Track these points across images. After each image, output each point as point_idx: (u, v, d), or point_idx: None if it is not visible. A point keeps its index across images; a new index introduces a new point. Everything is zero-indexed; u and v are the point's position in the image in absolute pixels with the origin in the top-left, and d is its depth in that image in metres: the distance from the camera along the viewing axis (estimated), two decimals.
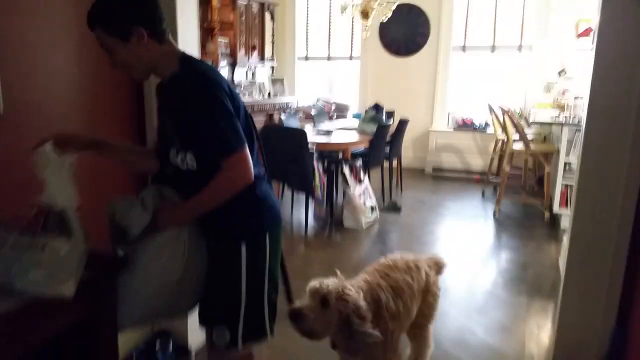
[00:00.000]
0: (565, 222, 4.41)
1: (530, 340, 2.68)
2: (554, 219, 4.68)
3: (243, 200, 1.55)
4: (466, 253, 4.11)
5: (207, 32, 5.84)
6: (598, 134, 1.66)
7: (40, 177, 1.22)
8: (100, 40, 1.45)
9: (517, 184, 6.09)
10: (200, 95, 1.45)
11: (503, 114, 5.04)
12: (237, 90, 6.07)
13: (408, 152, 7.18)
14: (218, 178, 1.47)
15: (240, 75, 6.78)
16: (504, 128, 5.10)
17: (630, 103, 1.58)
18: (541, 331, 2.78)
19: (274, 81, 7.46)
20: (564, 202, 4.48)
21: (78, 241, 1.20)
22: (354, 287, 1.77)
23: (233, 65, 6.50)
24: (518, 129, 4.83)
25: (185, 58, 1.55)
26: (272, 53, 7.45)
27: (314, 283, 1.74)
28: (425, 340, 2.24)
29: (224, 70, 6.38)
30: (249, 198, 1.57)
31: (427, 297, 2.12)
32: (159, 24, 1.49)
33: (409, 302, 1.95)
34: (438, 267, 2.28)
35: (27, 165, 1.80)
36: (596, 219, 1.71)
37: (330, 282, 1.73)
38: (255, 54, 6.84)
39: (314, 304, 1.68)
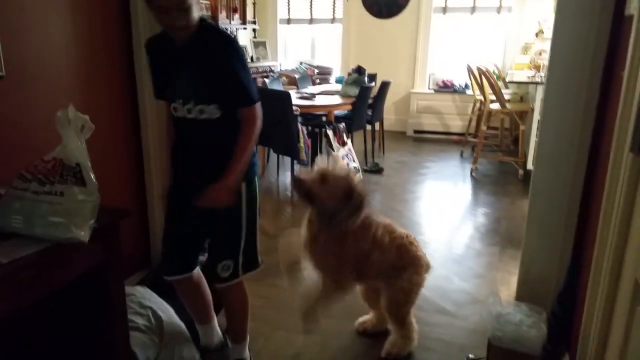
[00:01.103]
0: None
1: (502, 284, 2.92)
2: (528, 176, 4.90)
3: None
4: (445, 210, 4.33)
5: None
6: (557, 89, 1.83)
7: (60, 133, 1.34)
8: (184, 3, 1.56)
9: (494, 143, 6.31)
10: (229, 49, 1.67)
11: (480, 75, 5.18)
12: None
13: (390, 114, 7.31)
14: (248, 125, 1.71)
15: None
16: (482, 89, 5.25)
17: (584, 62, 1.74)
18: (511, 276, 3.01)
19: (256, 44, 7.45)
20: None
21: (92, 190, 1.34)
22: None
23: None
24: (495, 89, 4.99)
25: (203, 20, 1.70)
26: (254, 15, 7.42)
27: (321, 162, 1.93)
28: (405, 332, 2.22)
29: None
30: None
31: (405, 276, 2.13)
32: None
33: (385, 257, 2.07)
34: (426, 267, 2.24)
35: (32, 122, 1.94)
36: (554, 168, 1.89)
37: (338, 167, 1.92)
38: (237, 16, 6.82)
39: (315, 178, 1.88)
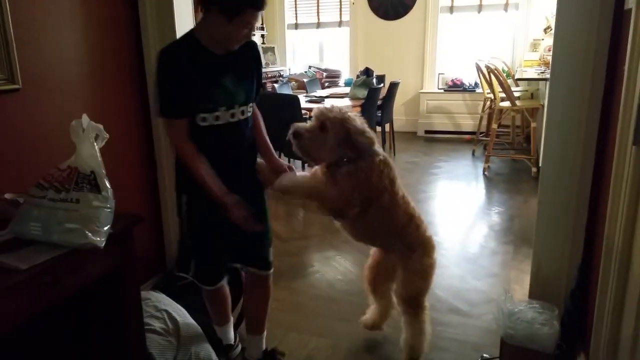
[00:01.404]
0: None
1: (516, 283, 2.91)
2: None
3: None
4: (458, 209, 4.33)
5: (197, 2, 5.88)
6: (561, 86, 1.83)
7: (74, 141, 1.39)
8: (257, 16, 1.66)
9: (506, 141, 6.27)
10: (258, 49, 1.89)
11: (489, 73, 5.16)
12: None
13: (400, 115, 7.32)
14: (259, 115, 2.00)
15: None
16: (491, 87, 5.24)
17: (587, 58, 1.74)
18: (525, 274, 3.00)
19: (264, 50, 7.50)
20: None
21: (107, 197, 1.38)
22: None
23: None
24: (504, 86, 4.97)
25: None
26: (262, 21, 7.48)
27: (318, 108, 1.88)
28: (420, 325, 2.10)
29: None
30: None
31: (416, 256, 2.04)
32: None
33: (394, 210, 1.97)
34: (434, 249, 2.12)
35: (47, 132, 2.00)
36: (562, 165, 1.89)
37: (333, 111, 1.84)
38: None
39: (314, 127, 1.82)
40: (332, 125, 1.80)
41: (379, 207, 1.91)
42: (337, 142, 1.82)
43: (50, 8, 2.03)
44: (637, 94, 1.19)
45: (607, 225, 1.40)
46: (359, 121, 1.87)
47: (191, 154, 1.72)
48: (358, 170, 1.84)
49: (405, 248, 2.03)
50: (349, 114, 1.86)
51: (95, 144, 1.43)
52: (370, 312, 2.43)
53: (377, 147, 1.90)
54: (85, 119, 1.41)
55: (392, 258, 2.15)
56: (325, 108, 1.86)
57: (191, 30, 1.75)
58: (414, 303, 2.06)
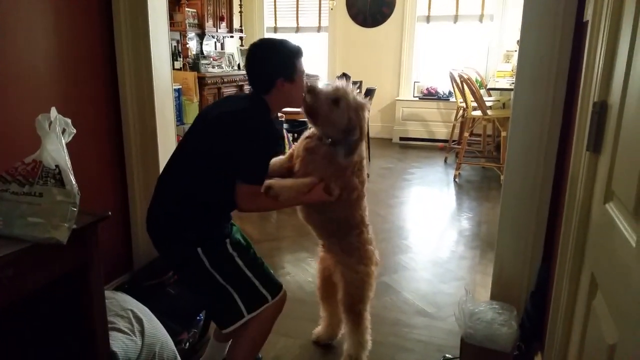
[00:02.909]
0: None
1: (481, 286, 2.97)
2: None
3: None
4: (428, 214, 4.39)
5: (174, 3, 5.85)
6: (524, 95, 1.90)
7: (40, 135, 1.37)
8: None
9: (477, 149, 6.40)
10: None
11: (462, 82, 5.27)
12: (207, 62, 6.12)
13: (376, 122, 7.40)
14: None
15: (208, 47, 6.81)
16: (464, 96, 5.34)
17: (550, 68, 1.81)
18: (488, 277, 3.06)
19: (243, 52, 7.49)
20: None
21: (71, 192, 1.36)
22: None
23: (201, 36, 6.53)
24: (476, 96, 5.08)
25: None
26: (241, 24, 7.47)
27: (342, 84, 1.86)
28: (359, 336, 2.10)
29: (192, 41, 6.40)
30: None
31: (354, 265, 2.04)
32: None
33: (350, 205, 2.01)
34: (375, 261, 2.13)
35: (13, 125, 1.97)
36: (523, 171, 1.96)
37: (353, 95, 1.85)
38: (224, 24, 6.86)
39: (329, 96, 1.82)
40: (346, 106, 1.82)
41: (344, 200, 1.93)
42: (340, 122, 1.83)
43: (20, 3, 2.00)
44: (591, 102, 1.25)
45: (563, 229, 1.46)
46: (366, 118, 1.90)
47: (270, 201, 1.76)
48: (334, 159, 1.86)
49: (341, 251, 2.03)
50: (365, 106, 1.88)
51: (62, 138, 1.41)
52: (322, 324, 2.40)
53: (362, 149, 1.94)
54: (53, 112, 1.40)
55: (332, 262, 2.12)
56: (348, 88, 1.86)
57: (266, 105, 1.75)
58: (352, 311, 2.04)
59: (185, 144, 1.80)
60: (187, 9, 6.02)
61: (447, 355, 2.23)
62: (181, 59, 6.04)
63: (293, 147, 2.03)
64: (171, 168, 1.80)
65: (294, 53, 1.75)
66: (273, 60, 1.71)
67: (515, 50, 6.10)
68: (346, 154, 1.85)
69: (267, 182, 1.74)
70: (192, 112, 5.78)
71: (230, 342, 1.99)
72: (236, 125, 1.66)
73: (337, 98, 1.82)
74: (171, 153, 2.68)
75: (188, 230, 1.72)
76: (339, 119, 1.83)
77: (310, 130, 1.99)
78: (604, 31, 1.22)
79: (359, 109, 1.85)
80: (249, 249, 1.84)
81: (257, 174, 1.70)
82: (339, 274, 2.04)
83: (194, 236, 1.71)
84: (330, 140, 1.88)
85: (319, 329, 2.40)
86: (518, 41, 6.03)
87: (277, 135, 1.75)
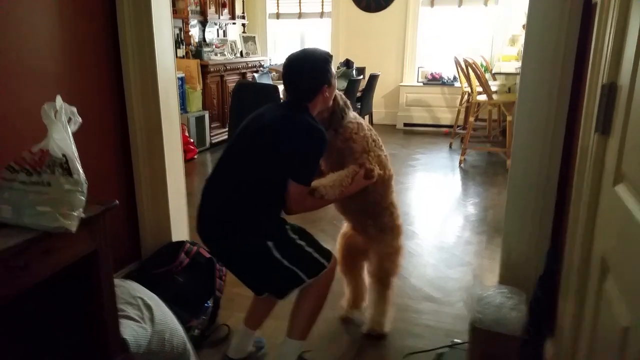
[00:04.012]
0: None
1: (488, 271, 2.97)
2: None
3: None
4: (434, 200, 4.39)
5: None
6: (532, 77, 1.88)
7: (45, 124, 1.37)
8: None
9: (483, 134, 6.37)
10: None
11: (467, 67, 5.23)
12: (209, 49, 6.09)
13: (380, 108, 7.36)
14: None
15: (211, 34, 6.77)
16: (469, 80, 5.31)
17: (557, 51, 1.79)
18: (496, 263, 3.06)
19: (245, 39, 7.46)
20: None
21: (78, 181, 1.37)
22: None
23: (203, 23, 6.48)
24: (481, 80, 5.04)
25: None
26: (243, 10, 7.42)
27: None
28: (384, 305, 2.31)
29: (194, 29, 6.37)
30: None
31: (387, 239, 2.22)
32: None
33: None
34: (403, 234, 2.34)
35: (19, 115, 1.97)
36: (531, 153, 1.94)
37: None
38: (226, 11, 6.82)
39: None
40: None
41: (378, 183, 2.07)
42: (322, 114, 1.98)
43: None
44: (600, 84, 1.23)
45: (571, 210, 1.45)
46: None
47: (317, 200, 1.90)
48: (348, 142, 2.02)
49: (376, 230, 2.19)
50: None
51: (68, 126, 1.41)
52: (346, 298, 2.51)
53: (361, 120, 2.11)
54: (58, 100, 1.40)
55: (363, 239, 2.29)
56: None
57: (309, 112, 1.89)
58: (383, 283, 2.26)
59: (240, 150, 1.90)
60: None
61: (455, 340, 2.24)
62: (184, 47, 6.02)
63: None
64: (228, 173, 1.89)
65: (329, 60, 1.90)
66: (318, 71, 1.86)
67: (521, 34, 6.04)
68: (338, 119, 2.02)
69: (312, 184, 1.86)
70: (195, 99, 5.78)
71: (256, 332, 2.18)
72: (297, 130, 1.81)
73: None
74: (176, 142, 2.72)
75: (260, 229, 1.84)
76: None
77: None
78: (613, 12, 1.20)
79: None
80: (301, 228, 1.98)
81: (310, 175, 1.85)
82: (374, 251, 2.23)
83: (266, 233, 1.84)
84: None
85: (342, 303, 2.52)
86: (524, 25, 5.97)
87: (326, 139, 1.85)
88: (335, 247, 2.34)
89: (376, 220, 2.18)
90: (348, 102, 2.10)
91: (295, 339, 1.99)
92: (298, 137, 1.80)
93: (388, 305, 2.32)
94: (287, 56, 1.94)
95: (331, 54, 1.97)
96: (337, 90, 2.04)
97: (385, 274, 2.24)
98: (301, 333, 1.99)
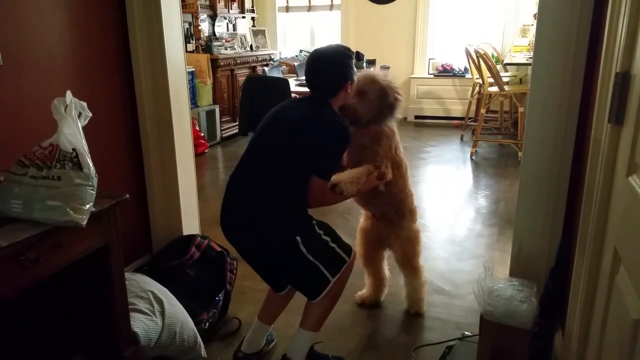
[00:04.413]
0: None
1: (499, 264, 2.95)
2: None
3: None
4: (445, 193, 4.36)
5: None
6: (544, 67, 1.85)
7: (56, 119, 1.38)
8: None
9: (494, 126, 6.31)
10: None
11: (478, 58, 5.17)
12: (219, 43, 6.09)
13: None
14: None
15: (220, 28, 6.77)
16: (480, 72, 5.25)
17: (570, 41, 1.76)
18: (507, 255, 3.04)
19: (255, 33, 7.44)
20: None
21: (89, 175, 1.38)
22: None
23: (213, 17, 6.48)
24: (493, 71, 4.98)
25: None
26: (252, 4, 7.41)
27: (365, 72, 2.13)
28: (417, 283, 2.45)
29: (204, 23, 6.37)
30: None
31: (404, 224, 2.35)
32: None
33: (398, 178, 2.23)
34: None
35: (30, 110, 1.99)
36: (543, 144, 1.91)
37: (368, 76, 2.11)
38: (235, 5, 6.81)
39: (355, 96, 2.04)
40: (370, 90, 2.07)
41: (398, 176, 2.20)
42: (374, 106, 2.07)
43: None
44: (613, 73, 1.21)
45: (584, 203, 1.43)
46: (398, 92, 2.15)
47: (336, 196, 1.92)
48: (373, 142, 2.09)
49: (396, 215, 2.33)
50: (394, 86, 2.14)
51: (78, 121, 1.42)
52: (366, 287, 2.60)
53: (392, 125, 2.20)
54: (69, 95, 1.41)
55: (381, 227, 2.41)
56: (359, 76, 2.05)
57: (331, 107, 1.92)
58: (409, 265, 2.39)
59: (265, 146, 1.91)
60: None
61: (466, 332, 2.23)
62: (193, 41, 6.02)
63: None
64: (254, 169, 1.91)
65: (351, 56, 1.94)
66: (342, 67, 1.90)
67: (532, 24, 5.96)
68: (389, 112, 2.11)
69: (332, 179, 1.89)
70: (205, 94, 5.80)
71: (271, 326, 2.20)
72: (323, 127, 1.85)
73: (359, 92, 2.04)
74: (187, 136, 2.73)
75: (290, 223, 1.86)
76: (371, 104, 2.06)
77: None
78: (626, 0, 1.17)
79: (377, 81, 2.10)
80: (325, 223, 2.00)
81: (332, 171, 1.90)
82: (394, 236, 2.36)
83: (295, 228, 1.86)
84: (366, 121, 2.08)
85: (363, 292, 2.60)
86: (535, 15, 5.90)
87: (350, 136, 1.90)
88: (347, 240, 2.35)
89: (398, 207, 2.31)
90: (399, 102, 2.15)
91: (309, 330, 2.00)
92: (324, 134, 1.84)
93: (420, 282, 2.45)
94: (311, 52, 1.98)
95: (352, 50, 1.99)
96: (392, 86, 2.12)
97: (408, 257, 2.37)
98: (315, 324, 2.00)
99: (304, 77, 2.03)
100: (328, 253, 1.91)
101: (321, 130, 1.84)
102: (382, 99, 2.08)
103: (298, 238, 1.84)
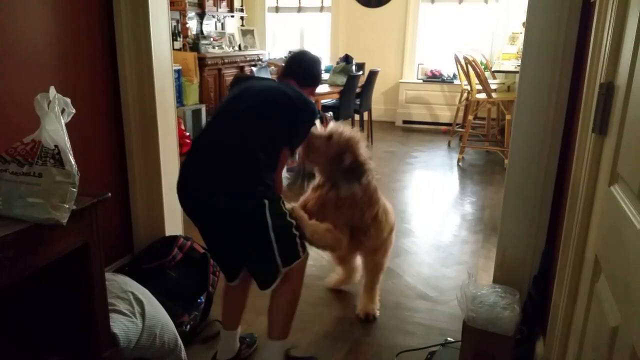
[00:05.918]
0: None
1: (483, 270, 2.97)
2: None
3: None
4: (431, 198, 4.38)
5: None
6: (530, 77, 1.87)
7: (39, 115, 1.36)
8: None
9: (481, 133, 6.36)
10: None
11: (467, 65, 5.21)
12: (207, 42, 6.05)
13: (379, 105, 7.34)
14: None
15: (209, 27, 6.73)
16: (468, 78, 5.29)
17: (557, 50, 1.78)
18: (491, 262, 3.06)
19: (244, 32, 7.42)
20: None
21: (70, 172, 1.35)
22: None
23: (201, 15, 6.44)
24: (481, 78, 5.02)
25: None
26: (242, 3, 7.38)
27: (334, 126, 2.19)
28: (374, 294, 2.53)
29: (191, 21, 6.33)
30: None
31: (381, 252, 2.46)
32: None
33: (378, 234, 2.34)
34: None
35: (12, 106, 1.95)
36: (528, 153, 1.93)
37: (346, 130, 2.17)
38: (224, 4, 6.78)
39: (323, 135, 2.13)
40: (337, 139, 2.12)
41: (369, 236, 2.29)
42: (335, 155, 2.11)
43: None
44: (598, 83, 1.22)
45: (567, 211, 1.44)
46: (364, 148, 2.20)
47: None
48: (355, 205, 2.15)
49: (371, 251, 2.42)
50: (355, 136, 2.18)
51: (61, 117, 1.40)
52: (336, 274, 2.78)
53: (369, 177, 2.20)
54: (52, 91, 1.38)
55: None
56: (337, 127, 2.17)
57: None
58: (373, 282, 2.50)
59: (238, 114, 1.92)
60: None
61: (449, 338, 2.24)
62: (181, 39, 5.98)
63: (304, 198, 2.26)
64: (223, 136, 1.89)
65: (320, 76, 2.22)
66: (316, 72, 2.15)
67: (521, 33, 6.02)
68: (352, 177, 2.13)
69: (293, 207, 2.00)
70: (192, 93, 5.74)
71: (239, 329, 2.16)
72: (301, 105, 1.95)
73: (329, 134, 2.12)
74: (172, 135, 2.70)
75: (263, 184, 1.86)
76: (333, 152, 2.10)
77: (317, 180, 2.27)
78: (611, 12, 1.19)
79: (350, 139, 2.14)
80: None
81: (300, 143, 2.04)
82: (368, 261, 2.49)
83: (267, 190, 1.87)
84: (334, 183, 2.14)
85: (333, 277, 2.77)
86: (524, 23, 5.96)
87: (316, 110, 2.06)
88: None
89: (376, 251, 2.42)
90: (366, 164, 2.19)
91: (276, 339, 1.97)
92: (303, 114, 1.95)
93: (376, 292, 2.53)
94: (299, 49, 2.24)
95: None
96: (363, 147, 2.20)
97: (374, 276, 2.50)
98: (281, 332, 1.97)
99: None
100: (287, 237, 1.89)
101: (303, 109, 1.95)
102: (336, 160, 2.12)
103: (266, 201, 1.82)
